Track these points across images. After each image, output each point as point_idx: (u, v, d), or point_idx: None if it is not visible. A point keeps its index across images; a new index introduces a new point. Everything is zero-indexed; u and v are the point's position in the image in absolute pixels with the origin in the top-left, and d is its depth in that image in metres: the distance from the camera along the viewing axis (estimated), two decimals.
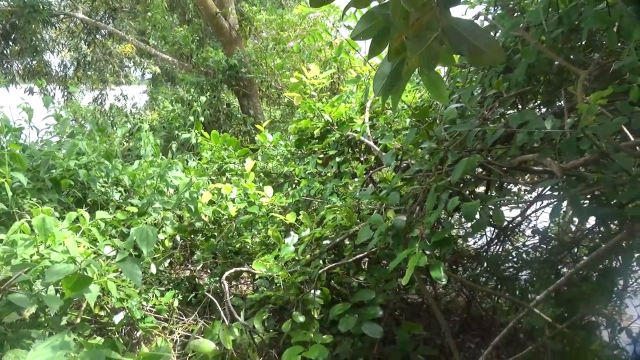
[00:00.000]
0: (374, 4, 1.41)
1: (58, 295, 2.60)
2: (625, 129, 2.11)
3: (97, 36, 13.16)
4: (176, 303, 3.52)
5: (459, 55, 1.67)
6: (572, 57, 2.82)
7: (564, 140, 1.99)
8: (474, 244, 4.50)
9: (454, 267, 4.12)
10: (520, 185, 3.75)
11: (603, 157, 1.98)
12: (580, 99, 1.96)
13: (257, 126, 5.69)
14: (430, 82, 1.49)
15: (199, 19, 12.29)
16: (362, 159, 4.41)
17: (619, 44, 2.33)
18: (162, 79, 14.98)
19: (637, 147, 1.98)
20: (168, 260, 4.10)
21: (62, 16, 12.02)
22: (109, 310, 3.19)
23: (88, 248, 2.81)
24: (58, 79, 14.08)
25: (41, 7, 10.18)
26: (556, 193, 2.66)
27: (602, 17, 2.18)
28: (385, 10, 1.36)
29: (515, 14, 3.11)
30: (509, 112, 2.99)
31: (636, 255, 2.80)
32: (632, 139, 2.08)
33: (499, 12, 3.29)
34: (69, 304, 2.85)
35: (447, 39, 1.29)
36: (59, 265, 2.31)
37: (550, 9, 2.58)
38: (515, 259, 3.87)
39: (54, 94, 13.75)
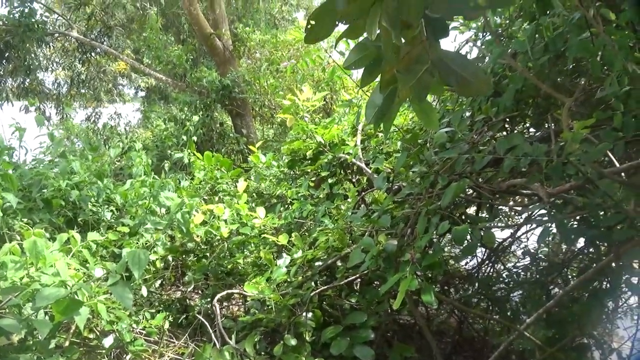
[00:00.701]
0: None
1: (47, 317, 2.57)
2: (610, 155, 2.16)
3: (92, 54, 13.21)
4: (167, 325, 3.48)
5: None
6: (559, 80, 2.89)
7: (551, 166, 2.04)
8: (465, 264, 4.51)
9: (445, 288, 4.13)
10: (510, 207, 3.79)
11: (588, 183, 2.03)
12: (565, 125, 2.01)
13: (251, 147, 5.72)
14: (421, 110, 1.53)
15: (193, 39, 12.42)
16: (354, 180, 4.45)
17: (605, 69, 2.40)
18: (156, 97, 15.04)
19: (622, 174, 2.04)
20: (159, 281, 4.07)
21: (56, 35, 12.09)
22: (98, 333, 3.15)
23: (79, 270, 2.79)
24: (52, 97, 14.08)
25: (36, 26, 10.23)
26: (545, 218, 2.70)
27: (586, 47, 2.25)
28: (377, 41, 1.41)
29: (503, 39, 3.20)
30: (498, 135, 3.05)
31: (625, 276, 2.83)
32: (617, 164, 2.14)
33: (487, 38, 3.37)
34: (58, 327, 2.81)
35: (436, 71, 1.33)
36: (50, 289, 2.29)
37: (537, 35, 2.66)
38: (506, 280, 3.89)
39: (49, 113, 13.75)
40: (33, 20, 10.16)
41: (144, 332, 3.41)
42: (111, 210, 4.24)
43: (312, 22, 1.12)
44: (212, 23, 10.10)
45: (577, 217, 2.65)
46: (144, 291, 3.48)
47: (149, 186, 4.42)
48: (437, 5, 1.18)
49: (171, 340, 3.61)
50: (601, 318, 3.12)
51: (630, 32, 2.26)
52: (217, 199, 5.03)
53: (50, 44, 12.18)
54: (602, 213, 2.35)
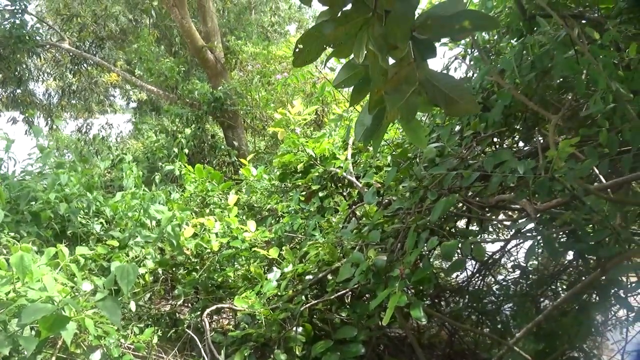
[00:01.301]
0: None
1: (33, 332, 2.53)
2: (597, 171, 2.20)
3: (84, 65, 13.17)
4: (155, 339, 3.44)
5: None
6: (546, 94, 2.93)
7: (538, 182, 2.06)
8: (456, 277, 4.52)
9: (436, 300, 4.13)
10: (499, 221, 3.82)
11: (575, 199, 2.05)
12: (552, 141, 2.04)
13: (242, 160, 5.73)
14: (409, 129, 1.55)
15: (185, 52, 12.44)
16: (344, 193, 4.46)
17: (590, 86, 2.44)
18: (147, 108, 14.99)
19: (609, 189, 2.07)
20: (148, 295, 4.03)
21: (47, 46, 12.04)
22: (85, 348, 3.10)
23: (66, 285, 2.76)
24: (42, 107, 13.98)
25: (27, 37, 10.18)
26: (534, 233, 2.73)
27: (571, 65, 2.29)
28: (366, 61, 1.42)
29: (491, 55, 3.25)
30: (487, 149, 3.08)
31: (613, 290, 2.85)
32: (603, 180, 2.17)
33: (476, 54, 3.42)
34: (44, 343, 2.77)
35: (424, 91, 1.35)
36: (36, 304, 2.26)
37: (524, 52, 2.71)
38: (496, 293, 3.90)
39: (39, 123, 13.62)
40: (24, 31, 10.12)
41: (132, 347, 3.37)
42: (100, 223, 4.21)
43: (300, 46, 1.14)
44: (204, 35, 10.13)
45: (567, 231, 2.68)
46: (132, 306, 3.45)
47: (139, 198, 4.41)
48: (424, 28, 1.21)
49: (160, 355, 3.57)
50: (590, 331, 3.13)
51: (614, 51, 2.32)
52: (207, 211, 5.01)
53: (42, 54, 12.11)
54: (590, 226, 2.38)
